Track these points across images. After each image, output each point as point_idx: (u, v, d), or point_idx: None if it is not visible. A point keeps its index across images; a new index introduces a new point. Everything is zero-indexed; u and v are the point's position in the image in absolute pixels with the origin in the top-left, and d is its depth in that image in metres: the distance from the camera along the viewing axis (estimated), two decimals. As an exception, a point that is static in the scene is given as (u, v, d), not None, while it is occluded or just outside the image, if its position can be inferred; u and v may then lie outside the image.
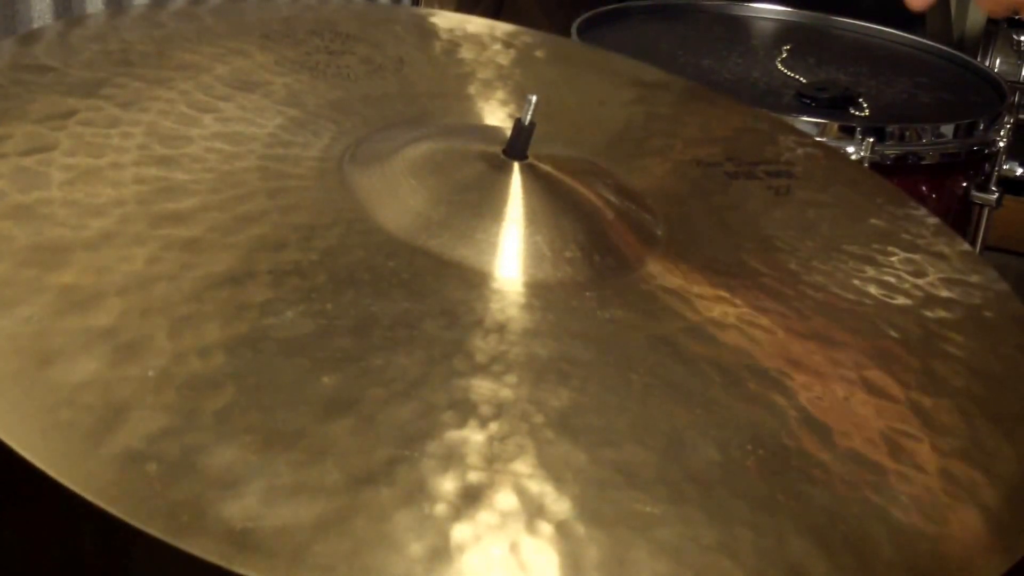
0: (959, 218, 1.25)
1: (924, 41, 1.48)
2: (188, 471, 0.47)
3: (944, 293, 0.76)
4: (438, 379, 0.55)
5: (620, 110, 0.93)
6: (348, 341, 0.56)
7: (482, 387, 0.55)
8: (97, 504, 0.45)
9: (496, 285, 0.64)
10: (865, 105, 1.23)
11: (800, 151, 0.93)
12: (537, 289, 0.64)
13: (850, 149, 1.14)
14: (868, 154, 1.13)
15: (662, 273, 0.70)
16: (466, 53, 0.93)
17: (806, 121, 1.15)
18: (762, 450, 0.57)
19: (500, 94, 0.88)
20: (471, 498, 0.49)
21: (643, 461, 0.54)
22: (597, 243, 0.68)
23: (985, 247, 1.30)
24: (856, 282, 0.74)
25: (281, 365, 0.54)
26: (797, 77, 1.30)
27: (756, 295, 0.70)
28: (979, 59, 1.51)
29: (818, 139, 1.11)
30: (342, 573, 0.45)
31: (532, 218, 0.67)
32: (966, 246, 0.84)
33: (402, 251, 0.64)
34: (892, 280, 0.75)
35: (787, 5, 1.55)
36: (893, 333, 0.70)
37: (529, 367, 0.57)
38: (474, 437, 0.52)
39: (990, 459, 0.61)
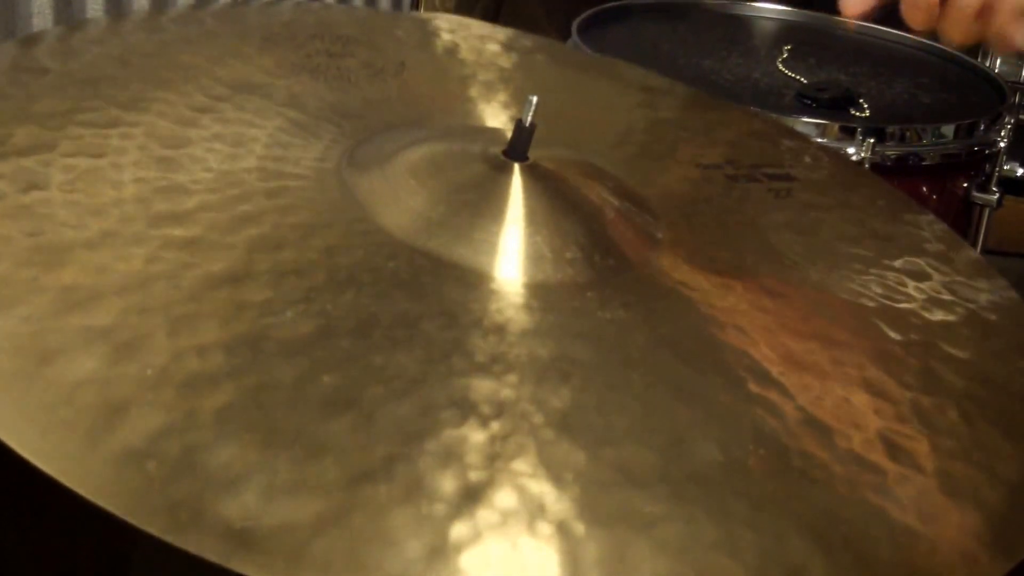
0: (959, 219, 1.25)
1: (924, 41, 1.48)
2: (187, 469, 0.47)
3: (946, 296, 0.76)
4: (437, 378, 0.55)
5: (622, 114, 0.93)
6: (348, 341, 0.56)
7: (482, 386, 0.55)
8: (96, 503, 0.45)
9: (496, 286, 0.64)
10: (866, 105, 1.23)
11: (801, 154, 0.93)
12: (537, 290, 0.64)
13: (850, 150, 1.14)
14: (868, 155, 1.13)
15: (663, 274, 0.70)
16: (467, 56, 0.93)
17: (806, 122, 1.15)
18: (763, 450, 0.57)
19: (501, 97, 0.88)
20: (471, 497, 0.49)
21: (644, 460, 0.54)
22: (598, 244, 0.68)
23: (985, 249, 1.30)
24: (857, 284, 0.74)
25: (280, 364, 0.54)
26: (798, 77, 1.30)
27: (757, 296, 0.70)
28: (979, 59, 1.51)
29: (819, 141, 1.11)
30: (341, 571, 0.45)
31: (532, 219, 0.67)
32: (968, 249, 0.83)
33: (402, 252, 0.64)
34: (893, 283, 0.75)
35: (787, 5, 1.55)
36: (894, 335, 0.70)
37: (530, 367, 0.57)
38: (474, 436, 0.52)
39: (990, 460, 0.61)
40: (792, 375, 0.63)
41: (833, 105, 1.22)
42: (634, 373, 0.59)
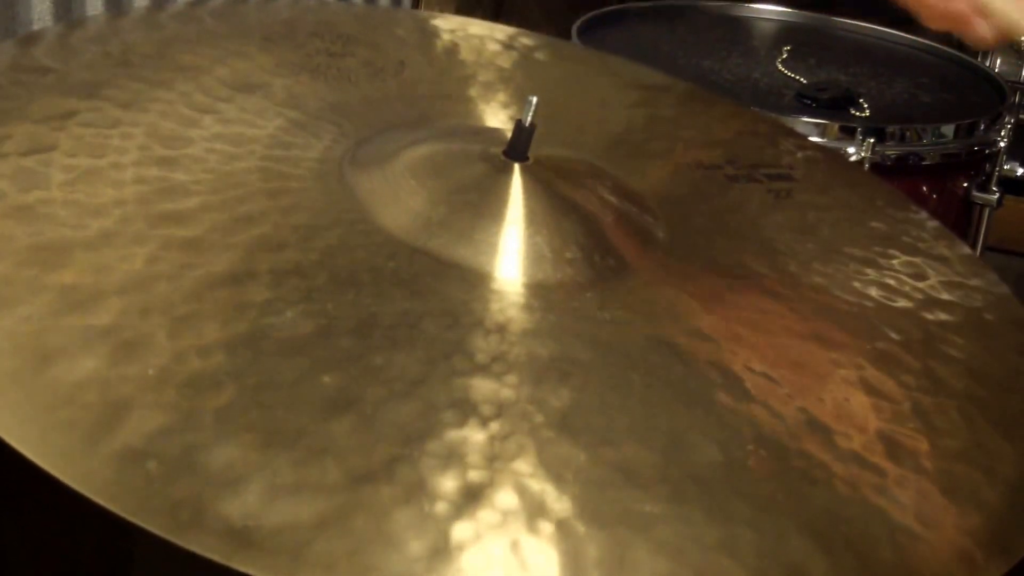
0: (960, 218, 1.25)
1: (924, 41, 1.48)
2: (188, 469, 0.47)
3: (944, 296, 0.76)
4: (438, 379, 0.55)
5: (621, 113, 0.93)
6: (348, 341, 0.56)
7: (483, 387, 0.55)
8: (97, 502, 0.45)
9: (496, 286, 0.64)
10: (865, 105, 1.23)
11: (800, 154, 0.93)
12: (537, 289, 0.64)
13: (850, 150, 1.14)
14: (868, 155, 1.13)
15: (663, 274, 0.70)
16: (467, 55, 0.93)
17: (806, 122, 1.15)
18: (763, 450, 0.57)
19: (501, 96, 0.88)
20: (472, 497, 0.49)
21: (643, 461, 0.54)
22: (597, 244, 0.68)
23: (986, 247, 1.30)
24: (856, 284, 0.74)
25: (281, 364, 0.54)
26: (797, 78, 1.30)
27: (757, 297, 0.70)
28: (979, 59, 1.51)
29: (818, 141, 1.11)
30: (342, 571, 0.45)
31: (532, 219, 0.67)
32: (966, 249, 0.84)
33: (402, 251, 0.64)
34: (892, 283, 0.75)
35: (787, 5, 1.55)
36: (893, 335, 0.70)
37: (530, 367, 0.57)
38: (474, 436, 0.52)
39: (990, 460, 0.61)
40: (792, 375, 0.63)
41: (833, 105, 1.22)
42: (634, 373, 0.59)
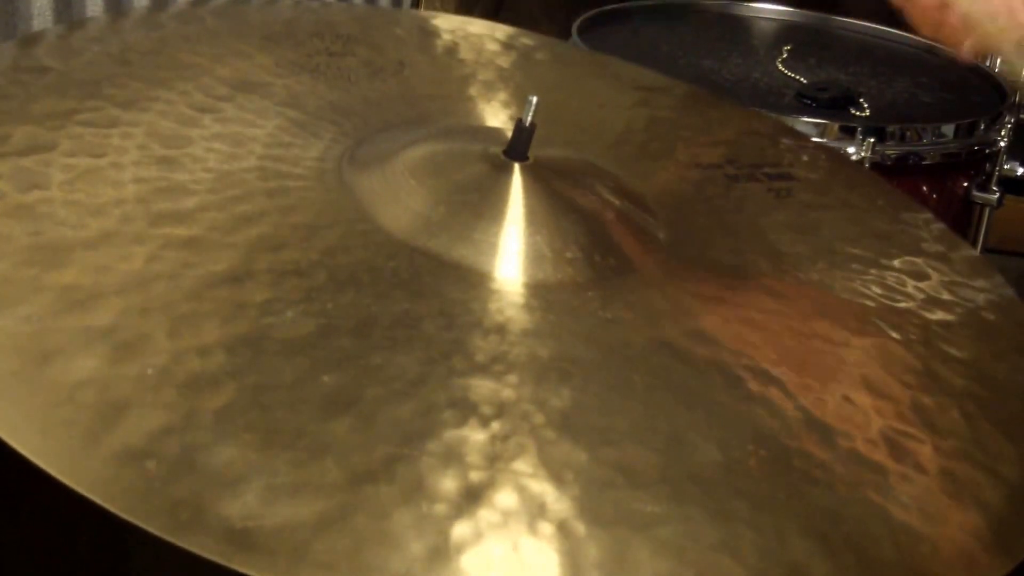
0: (960, 218, 1.25)
1: (924, 41, 1.48)
2: (188, 469, 0.47)
3: (946, 296, 0.75)
4: (438, 379, 0.55)
5: (621, 113, 0.93)
6: (348, 340, 0.56)
7: (482, 387, 0.55)
8: (96, 501, 0.45)
9: (496, 285, 0.64)
10: (866, 105, 1.22)
11: (801, 154, 0.93)
12: (538, 289, 0.64)
13: (851, 149, 1.14)
14: (868, 154, 1.13)
15: (663, 274, 0.70)
16: (466, 55, 0.93)
17: (806, 121, 1.15)
18: (763, 450, 0.57)
19: (501, 96, 0.88)
20: (472, 497, 0.49)
21: (644, 461, 0.54)
22: (598, 244, 0.68)
23: (985, 248, 1.30)
24: (857, 284, 0.74)
25: (281, 364, 0.54)
26: (798, 77, 1.29)
27: (757, 296, 0.70)
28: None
29: (819, 141, 1.11)
30: (342, 571, 0.45)
31: (532, 219, 0.67)
32: (968, 249, 0.83)
33: (402, 251, 0.64)
34: (894, 283, 0.75)
35: (787, 5, 1.55)
36: (894, 334, 0.70)
37: (530, 367, 0.57)
38: (474, 436, 0.52)
39: (992, 460, 0.61)
40: (792, 375, 0.63)
41: (833, 105, 1.21)
42: (634, 373, 0.59)
